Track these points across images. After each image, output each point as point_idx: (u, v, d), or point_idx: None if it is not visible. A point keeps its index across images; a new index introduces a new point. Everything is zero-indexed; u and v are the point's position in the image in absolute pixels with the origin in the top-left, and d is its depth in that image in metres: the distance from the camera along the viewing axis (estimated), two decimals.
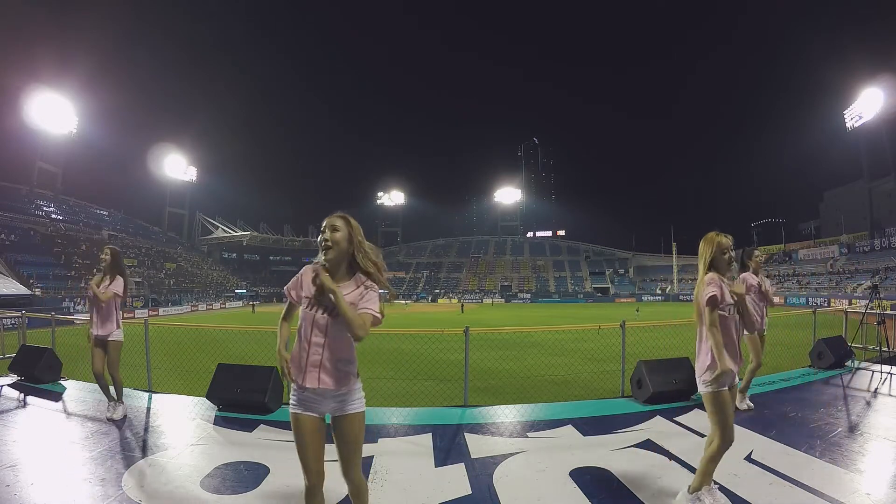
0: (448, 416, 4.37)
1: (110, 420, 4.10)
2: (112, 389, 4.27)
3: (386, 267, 2.05)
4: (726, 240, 2.55)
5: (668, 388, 4.57)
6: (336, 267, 1.94)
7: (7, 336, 8.07)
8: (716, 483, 2.52)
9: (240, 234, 68.76)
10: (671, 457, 3.24)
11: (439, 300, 62.47)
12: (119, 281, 4.21)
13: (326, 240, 1.90)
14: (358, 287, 1.93)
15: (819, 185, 71.32)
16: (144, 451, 3.46)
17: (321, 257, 1.94)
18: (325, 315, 1.88)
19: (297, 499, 2.69)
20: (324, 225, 1.94)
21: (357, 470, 2.00)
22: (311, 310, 1.90)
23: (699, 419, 4.04)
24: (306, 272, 1.96)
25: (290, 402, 1.95)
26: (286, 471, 3.04)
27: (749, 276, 4.37)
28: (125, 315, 4.61)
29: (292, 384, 1.94)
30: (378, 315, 1.88)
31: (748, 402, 4.34)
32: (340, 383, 1.90)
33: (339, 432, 1.95)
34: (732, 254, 2.58)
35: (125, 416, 4.22)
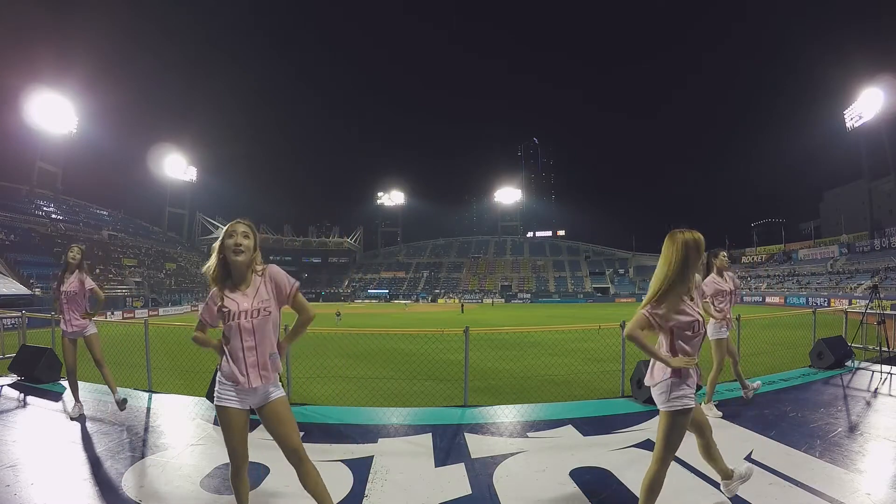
0: (448, 416, 4.37)
1: (121, 411, 4.27)
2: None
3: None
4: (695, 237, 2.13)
5: None
6: (243, 271, 2.08)
7: (7, 336, 8.07)
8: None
9: None
10: None
11: (439, 300, 62.46)
12: (85, 277, 4.35)
13: (238, 244, 2.03)
14: (260, 284, 2.10)
15: (819, 185, 71.52)
16: (144, 451, 3.46)
17: (219, 258, 2.06)
18: (249, 319, 2.04)
19: (296, 498, 2.69)
20: (229, 229, 2.08)
21: (299, 446, 2.11)
22: (233, 320, 2.03)
23: None
24: (213, 299, 2.08)
25: (219, 396, 2.09)
26: (286, 471, 3.03)
27: (715, 281, 4.26)
28: (125, 315, 4.65)
29: (221, 381, 2.08)
30: (296, 286, 2.14)
31: (716, 410, 4.16)
32: (274, 373, 2.11)
33: (271, 417, 2.10)
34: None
35: (125, 404, 4.32)
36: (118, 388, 4.35)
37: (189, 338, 2.24)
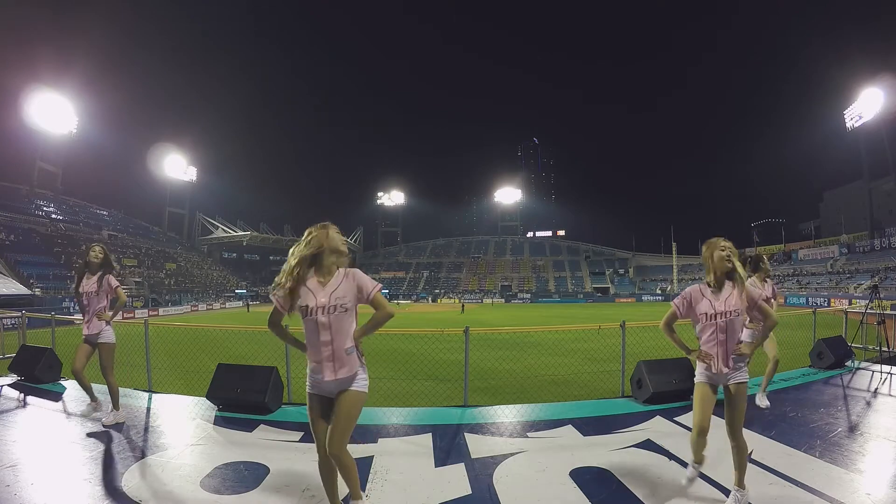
0: (448, 416, 4.37)
1: (105, 426, 3.92)
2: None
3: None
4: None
5: (667, 388, 4.57)
6: (329, 266, 2.18)
7: (7, 336, 8.07)
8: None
9: (240, 234, 68.70)
10: (671, 457, 3.24)
11: (439, 300, 62.45)
12: (111, 278, 4.17)
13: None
14: (342, 280, 2.18)
15: (819, 185, 71.59)
16: (144, 451, 3.46)
17: (310, 252, 2.16)
18: (326, 315, 2.10)
19: (297, 498, 2.69)
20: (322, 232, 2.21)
21: (338, 445, 2.10)
22: (310, 315, 2.10)
23: None
24: (285, 288, 2.14)
25: (308, 383, 2.21)
26: (286, 471, 3.05)
27: (754, 285, 4.28)
28: (125, 315, 4.61)
29: (308, 371, 2.19)
30: (378, 288, 2.21)
31: (766, 400, 4.45)
32: (350, 368, 2.15)
33: (335, 406, 2.16)
34: (722, 254, 2.46)
35: (123, 423, 4.04)
36: (116, 412, 4.06)
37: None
